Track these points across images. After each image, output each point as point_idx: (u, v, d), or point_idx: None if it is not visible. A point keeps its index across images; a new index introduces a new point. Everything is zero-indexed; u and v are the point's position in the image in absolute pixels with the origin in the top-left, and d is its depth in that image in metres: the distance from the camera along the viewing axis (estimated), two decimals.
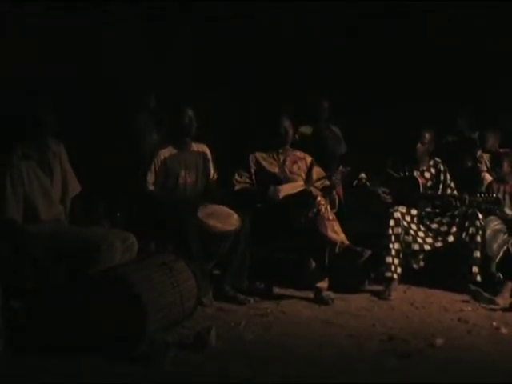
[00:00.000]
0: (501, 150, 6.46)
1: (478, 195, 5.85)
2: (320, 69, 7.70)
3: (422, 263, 5.86)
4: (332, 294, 5.46)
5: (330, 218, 5.44)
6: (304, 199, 5.49)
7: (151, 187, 5.42)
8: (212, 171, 5.67)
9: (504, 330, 4.76)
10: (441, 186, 6.07)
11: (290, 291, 5.65)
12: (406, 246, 5.74)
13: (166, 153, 5.45)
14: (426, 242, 5.81)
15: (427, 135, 6.01)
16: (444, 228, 5.86)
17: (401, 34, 7.75)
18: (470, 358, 4.22)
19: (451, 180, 6.09)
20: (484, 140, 6.72)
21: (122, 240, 4.57)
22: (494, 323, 4.92)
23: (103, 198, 5.50)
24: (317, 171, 5.93)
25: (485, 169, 6.69)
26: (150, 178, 5.41)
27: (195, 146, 5.61)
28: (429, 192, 6.01)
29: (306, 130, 6.92)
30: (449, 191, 6.04)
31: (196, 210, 5.21)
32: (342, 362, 4.08)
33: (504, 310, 5.29)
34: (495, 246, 5.80)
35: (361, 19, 7.80)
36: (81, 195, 4.88)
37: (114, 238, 4.52)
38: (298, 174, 5.86)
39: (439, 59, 7.74)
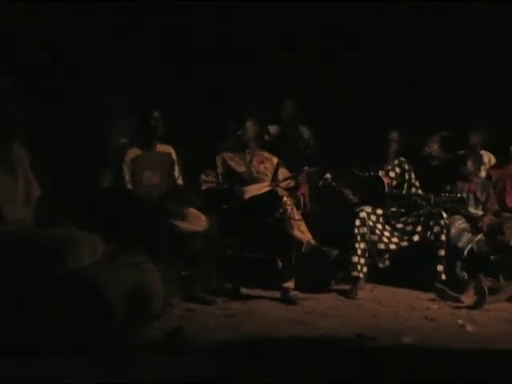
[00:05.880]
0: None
1: (443, 194, 5.91)
2: (285, 68, 7.67)
3: (387, 262, 5.90)
4: (298, 294, 5.48)
5: (297, 217, 5.46)
6: (270, 199, 5.51)
7: (129, 185, 5.41)
8: (177, 172, 5.65)
9: (469, 328, 4.81)
10: (406, 186, 6.11)
11: (257, 291, 5.66)
12: (371, 245, 5.78)
13: (132, 153, 5.44)
14: (391, 242, 5.85)
15: (394, 134, 6.04)
16: (409, 227, 5.91)
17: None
18: (437, 356, 4.23)
19: (416, 179, 6.14)
20: (467, 138, 6.66)
21: (89, 242, 4.52)
22: (460, 321, 4.97)
23: (69, 200, 5.44)
24: (283, 172, 5.97)
25: None
26: (127, 176, 5.39)
27: (160, 147, 5.59)
28: (394, 191, 6.05)
29: (273, 129, 6.94)
30: (414, 190, 6.09)
31: (164, 211, 5.19)
32: (312, 361, 4.07)
33: (469, 307, 5.35)
34: (460, 245, 5.87)
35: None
36: (47, 197, 4.82)
37: (81, 240, 4.47)
38: (264, 174, 5.89)
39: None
